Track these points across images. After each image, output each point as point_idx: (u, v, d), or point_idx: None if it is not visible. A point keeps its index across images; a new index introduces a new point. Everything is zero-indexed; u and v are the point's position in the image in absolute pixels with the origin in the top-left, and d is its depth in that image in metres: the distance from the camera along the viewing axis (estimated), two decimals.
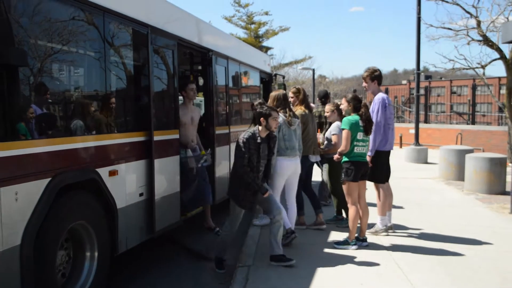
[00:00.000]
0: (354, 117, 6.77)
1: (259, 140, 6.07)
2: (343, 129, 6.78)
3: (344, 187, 6.83)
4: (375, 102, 7.30)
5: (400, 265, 6.08)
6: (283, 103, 6.97)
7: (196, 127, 7.56)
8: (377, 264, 6.07)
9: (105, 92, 5.39)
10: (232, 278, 5.77)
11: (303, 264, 6.11)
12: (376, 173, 7.32)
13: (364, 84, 7.55)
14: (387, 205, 7.47)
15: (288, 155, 6.81)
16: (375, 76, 7.42)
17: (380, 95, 7.33)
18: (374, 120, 7.10)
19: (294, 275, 5.78)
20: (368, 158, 6.97)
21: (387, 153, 7.48)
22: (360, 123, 6.72)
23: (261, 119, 6.11)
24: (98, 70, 5.29)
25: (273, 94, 7.14)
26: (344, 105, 6.96)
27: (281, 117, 6.72)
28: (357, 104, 6.81)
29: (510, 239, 7.30)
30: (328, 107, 7.95)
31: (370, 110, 7.20)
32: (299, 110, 7.51)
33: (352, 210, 6.74)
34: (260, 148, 6.05)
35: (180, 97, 7.52)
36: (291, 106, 7.36)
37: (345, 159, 6.77)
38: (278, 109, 6.66)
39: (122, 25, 5.73)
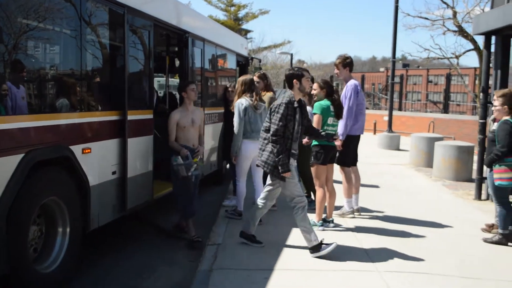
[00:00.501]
0: (325, 102, 6.95)
1: (296, 105, 5.89)
2: (314, 113, 6.95)
3: (312, 169, 7.02)
4: (348, 88, 7.50)
5: (364, 246, 6.32)
6: (250, 87, 7.25)
7: (197, 129, 6.87)
8: (342, 245, 6.29)
9: (80, 71, 5.45)
10: (201, 256, 5.94)
11: (272, 243, 6.30)
12: (345, 157, 7.55)
13: (336, 71, 7.74)
14: (353, 188, 7.73)
15: (253, 138, 7.12)
16: (347, 63, 7.63)
17: (353, 82, 7.55)
18: (346, 105, 7.33)
19: (262, 253, 5.98)
20: (339, 142, 7.16)
21: (357, 138, 7.72)
22: (331, 108, 6.90)
23: (294, 81, 5.96)
24: (74, 49, 5.35)
25: (240, 78, 7.41)
26: (317, 90, 7.11)
27: (247, 101, 7.08)
28: (330, 90, 7.00)
29: (471, 223, 7.60)
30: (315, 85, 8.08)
31: (342, 95, 7.43)
32: (268, 94, 7.80)
33: (319, 192, 6.95)
34: (297, 114, 5.91)
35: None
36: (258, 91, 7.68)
37: (315, 142, 6.95)
38: (244, 94, 7.05)
39: (99, 4, 5.77)
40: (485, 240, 6.76)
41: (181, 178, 6.44)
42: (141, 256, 6.27)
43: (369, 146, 18.20)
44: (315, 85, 7.18)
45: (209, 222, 7.41)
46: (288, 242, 6.42)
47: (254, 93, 7.26)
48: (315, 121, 6.90)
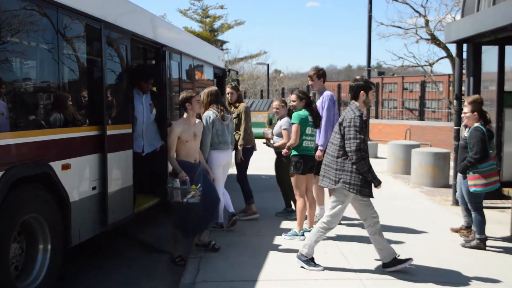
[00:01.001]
0: (304, 112, 7.04)
1: (364, 117, 5.60)
2: (293, 123, 7.04)
3: (292, 179, 7.09)
4: (325, 99, 7.62)
5: (345, 254, 6.39)
6: (216, 98, 7.31)
7: (198, 143, 6.65)
8: (323, 253, 6.34)
9: (58, 86, 5.44)
10: (184, 269, 5.94)
11: (254, 253, 6.33)
12: None
13: (310, 82, 7.85)
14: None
15: (222, 149, 7.31)
16: (321, 74, 7.81)
17: (329, 92, 7.71)
18: (324, 116, 7.46)
19: (245, 264, 6.00)
20: (320, 153, 7.26)
21: None
22: (310, 118, 6.99)
23: (361, 92, 5.70)
24: (51, 65, 5.34)
25: (205, 90, 7.46)
26: (296, 102, 7.19)
27: (214, 113, 7.14)
28: (308, 100, 7.11)
29: (448, 229, 7.71)
30: (277, 103, 8.17)
31: (318, 106, 7.54)
32: (242, 104, 8.35)
33: (300, 202, 7.01)
34: (364, 126, 5.60)
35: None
36: (230, 102, 8.20)
37: (294, 152, 7.02)
38: (211, 105, 7.18)
39: (75, 20, 5.77)
40: (464, 245, 6.87)
41: (173, 202, 6.16)
42: (123, 271, 6.24)
43: None
44: (293, 96, 7.25)
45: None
46: (270, 252, 6.45)
47: (219, 105, 7.28)
48: (294, 131, 6.99)
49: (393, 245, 6.72)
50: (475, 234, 6.88)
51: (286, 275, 5.70)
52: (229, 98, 8.51)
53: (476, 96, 7.25)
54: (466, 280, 5.62)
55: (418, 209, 9.33)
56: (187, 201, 6.04)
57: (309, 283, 5.45)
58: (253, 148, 8.54)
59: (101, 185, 6.17)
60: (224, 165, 7.41)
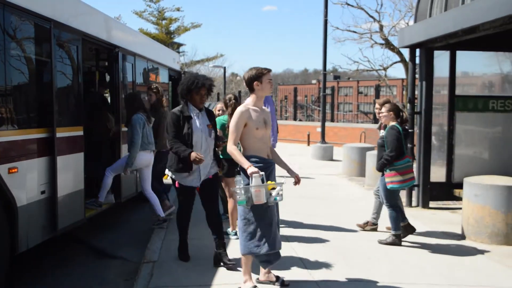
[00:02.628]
0: (224, 117, 7.25)
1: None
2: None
3: (222, 182, 7.25)
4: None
5: (300, 255, 6.36)
6: (142, 102, 7.85)
7: (270, 133, 5.39)
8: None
9: (5, 87, 5.24)
10: (137, 274, 5.81)
11: (208, 257, 6.24)
12: None
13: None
14: None
15: (149, 149, 7.73)
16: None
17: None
18: None
19: (199, 270, 5.90)
20: None
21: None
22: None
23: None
24: None
25: (129, 94, 8.25)
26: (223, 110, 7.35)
27: (143, 116, 7.59)
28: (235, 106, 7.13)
29: (403, 231, 7.79)
30: (219, 106, 8.13)
31: None
32: (166, 108, 8.74)
33: (230, 202, 7.11)
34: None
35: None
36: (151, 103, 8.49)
37: (221, 156, 7.02)
38: (138, 110, 7.59)
39: (24, 18, 5.59)
40: (380, 242, 7.08)
41: (251, 206, 4.95)
42: (74, 278, 6.05)
43: (303, 157, 18.50)
44: (220, 106, 7.66)
45: (144, 239, 7.28)
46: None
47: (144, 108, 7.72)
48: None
49: (348, 247, 6.80)
50: (391, 230, 7.12)
51: (241, 279, 5.63)
52: (148, 99, 8.64)
53: (386, 98, 7.70)
54: (422, 280, 5.68)
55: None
56: (275, 200, 4.91)
57: (266, 286, 5.40)
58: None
59: (50, 189, 5.99)
60: (148, 165, 7.81)
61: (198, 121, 5.91)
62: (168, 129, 5.98)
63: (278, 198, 4.88)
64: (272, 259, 5.20)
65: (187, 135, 5.81)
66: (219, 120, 7.11)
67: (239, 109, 5.14)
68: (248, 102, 5.22)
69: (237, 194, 4.90)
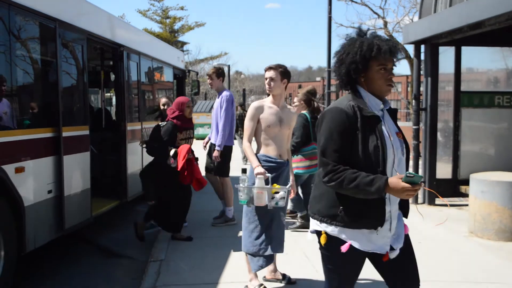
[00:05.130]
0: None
1: None
2: None
3: None
4: (224, 99, 7.61)
5: (306, 253, 6.35)
6: None
7: (287, 133, 5.12)
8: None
9: (11, 87, 5.26)
10: (144, 273, 5.82)
11: (214, 256, 6.25)
12: (223, 167, 7.72)
13: (209, 81, 7.90)
14: (232, 196, 7.79)
15: None
16: (220, 73, 7.85)
17: (228, 92, 7.75)
18: (223, 116, 7.50)
19: (206, 268, 5.90)
20: (216, 153, 7.43)
21: (231, 148, 7.88)
22: None
23: None
24: (4, 64, 5.16)
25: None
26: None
27: None
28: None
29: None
30: (164, 100, 8.34)
31: (217, 105, 7.65)
32: None
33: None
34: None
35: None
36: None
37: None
38: None
39: (29, 18, 5.61)
40: (290, 229, 7.17)
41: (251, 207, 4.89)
42: (82, 277, 6.07)
43: None
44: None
45: (150, 238, 7.29)
46: (231, 255, 6.38)
47: None
48: None
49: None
50: (298, 214, 7.35)
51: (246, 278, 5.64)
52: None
53: (309, 87, 7.80)
54: None
55: None
56: (276, 204, 4.71)
57: (274, 284, 5.41)
58: None
59: (57, 189, 6.00)
60: None
61: (385, 126, 3.09)
62: (327, 146, 2.97)
63: (280, 203, 4.68)
64: (263, 262, 4.99)
65: (375, 150, 2.96)
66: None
67: (253, 104, 5.02)
68: (267, 98, 5.11)
69: (240, 193, 4.79)
